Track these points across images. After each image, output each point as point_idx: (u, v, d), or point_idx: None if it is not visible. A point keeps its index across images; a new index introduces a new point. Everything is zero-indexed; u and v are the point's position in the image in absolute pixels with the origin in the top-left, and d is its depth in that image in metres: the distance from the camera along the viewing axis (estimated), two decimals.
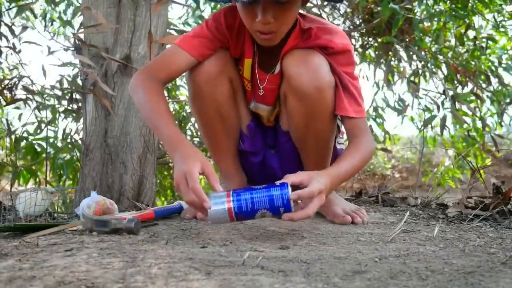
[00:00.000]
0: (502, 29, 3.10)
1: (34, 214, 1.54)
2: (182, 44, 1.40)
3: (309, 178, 1.17)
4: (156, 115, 1.29)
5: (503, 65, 3.08)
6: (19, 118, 3.08)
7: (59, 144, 2.89)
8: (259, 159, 1.60)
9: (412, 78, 3.07)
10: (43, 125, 2.75)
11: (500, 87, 3.15)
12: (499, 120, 3.26)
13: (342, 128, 1.57)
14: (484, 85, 3.12)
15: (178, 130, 1.28)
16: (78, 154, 2.56)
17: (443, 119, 2.81)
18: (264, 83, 1.46)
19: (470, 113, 2.98)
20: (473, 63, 2.98)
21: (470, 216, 1.49)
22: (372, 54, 3.24)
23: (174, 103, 3.38)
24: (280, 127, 1.55)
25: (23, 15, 3.13)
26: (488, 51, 3.08)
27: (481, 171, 1.84)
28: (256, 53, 1.45)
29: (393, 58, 3.14)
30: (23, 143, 2.77)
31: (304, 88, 1.34)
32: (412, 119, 3.45)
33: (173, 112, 3.47)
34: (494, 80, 3.11)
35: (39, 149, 2.77)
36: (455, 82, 3.14)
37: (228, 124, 1.53)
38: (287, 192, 1.13)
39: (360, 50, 3.17)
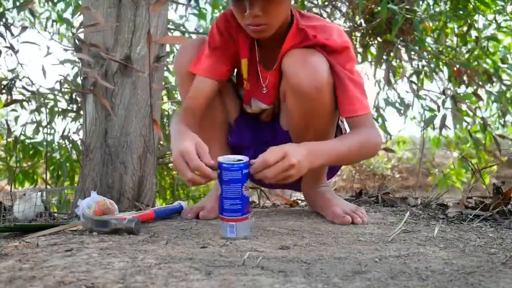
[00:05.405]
0: (505, 29, 3.09)
1: (29, 217, 1.54)
2: (201, 71, 1.45)
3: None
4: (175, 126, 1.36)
5: (506, 66, 3.07)
6: (15, 121, 3.08)
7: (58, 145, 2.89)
8: (250, 153, 1.59)
9: (413, 78, 3.06)
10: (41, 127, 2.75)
11: (503, 87, 3.14)
12: (501, 121, 3.26)
13: (345, 129, 1.58)
14: (487, 85, 3.11)
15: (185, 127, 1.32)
16: (77, 154, 2.56)
17: (443, 118, 2.81)
18: (266, 81, 1.47)
19: (471, 113, 2.98)
20: (475, 63, 2.98)
21: (470, 216, 1.49)
22: (374, 52, 3.23)
23: (174, 103, 3.38)
24: (280, 126, 1.54)
25: (23, 15, 3.12)
26: (491, 50, 3.07)
27: (484, 173, 1.83)
28: (258, 50, 1.46)
29: (394, 58, 3.13)
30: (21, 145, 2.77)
31: (303, 88, 1.34)
32: (414, 118, 3.45)
33: (173, 112, 3.47)
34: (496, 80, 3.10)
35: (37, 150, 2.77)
36: (458, 81, 3.13)
37: (212, 116, 1.54)
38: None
39: (361, 50, 3.16)
